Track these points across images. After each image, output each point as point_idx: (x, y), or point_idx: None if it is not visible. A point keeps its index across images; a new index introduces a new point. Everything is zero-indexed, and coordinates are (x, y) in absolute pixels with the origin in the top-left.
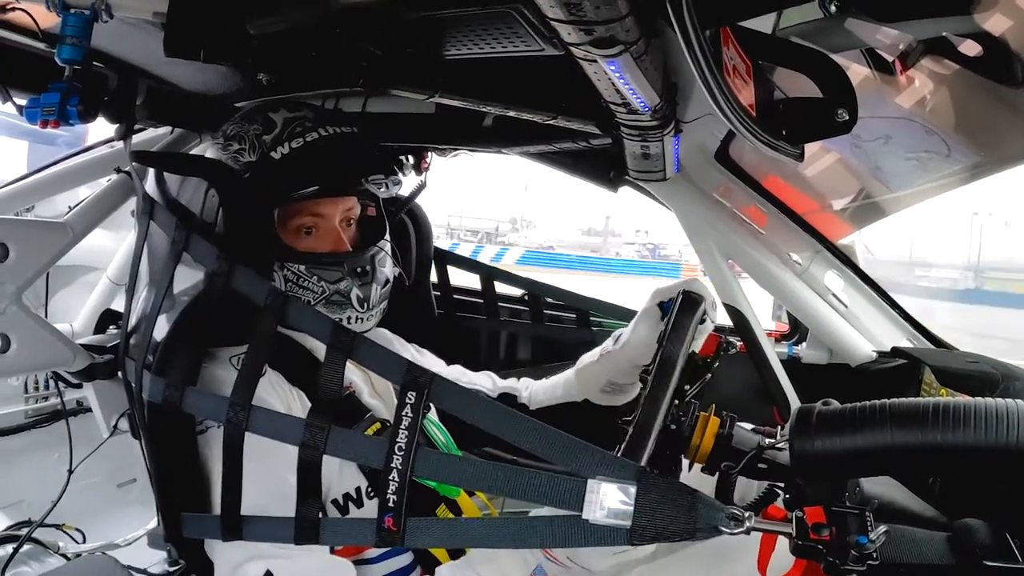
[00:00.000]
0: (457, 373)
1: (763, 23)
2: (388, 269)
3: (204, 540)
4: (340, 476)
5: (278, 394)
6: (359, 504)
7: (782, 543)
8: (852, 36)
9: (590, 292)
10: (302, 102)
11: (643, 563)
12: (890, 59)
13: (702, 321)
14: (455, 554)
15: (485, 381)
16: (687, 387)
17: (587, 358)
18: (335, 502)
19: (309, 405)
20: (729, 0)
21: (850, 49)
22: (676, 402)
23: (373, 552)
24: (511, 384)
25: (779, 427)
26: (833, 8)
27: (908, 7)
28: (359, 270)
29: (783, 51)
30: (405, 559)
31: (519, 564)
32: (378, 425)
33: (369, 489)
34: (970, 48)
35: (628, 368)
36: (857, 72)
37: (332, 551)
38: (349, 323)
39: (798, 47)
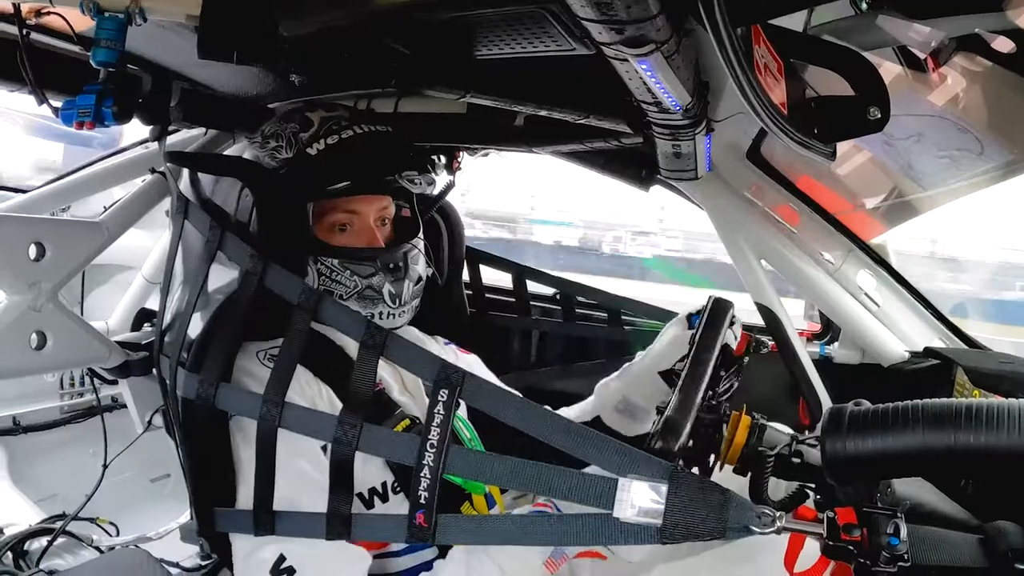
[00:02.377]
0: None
1: (794, 21)
2: (421, 267)
3: None
4: (364, 470)
5: (302, 389)
6: (384, 499)
7: (810, 541)
8: (884, 33)
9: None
10: (338, 103)
11: (676, 555)
12: (922, 56)
13: (731, 325)
14: None
15: None
16: (719, 385)
17: (609, 378)
18: (360, 496)
19: (336, 400)
20: None
21: (882, 46)
22: (709, 397)
23: (399, 545)
24: None
25: (809, 427)
26: (864, 5)
27: (940, 4)
28: (392, 266)
29: (814, 49)
30: (430, 553)
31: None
32: (407, 422)
33: (395, 484)
34: (1003, 45)
35: (646, 380)
36: (889, 70)
37: (354, 542)
38: (380, 319)
39: (829, 45)
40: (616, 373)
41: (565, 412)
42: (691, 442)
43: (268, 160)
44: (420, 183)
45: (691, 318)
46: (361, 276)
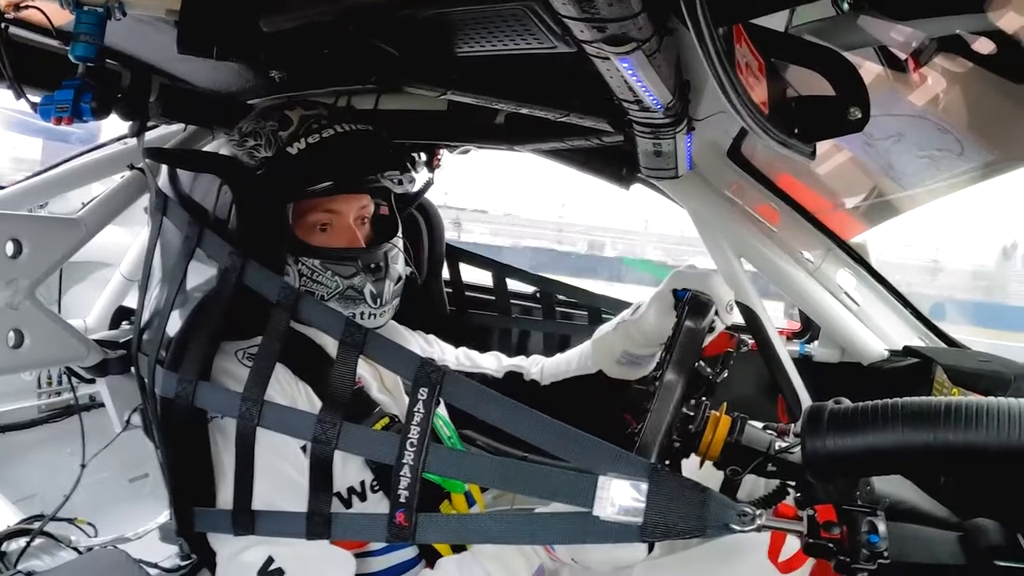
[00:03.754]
0: (463, 356)
1: (776, 21)
2: (401, 266)
3: None
4: (343, 469)
5: (282, 388)
6: (363, 498)
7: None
8: (865, 34)
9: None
10: (317, 100)
11: (654, 555)
12: (903, 57)
13: (711, 330)
14: (457, 548)
15: (490, 362)
16: (702, 377)
17: (604, 327)
18: (338, 495)
19: (315, 399)
20: None
21: (863, 47)
22: (688, 397)
23: (377, 544)
24: (517, 362)
25: (788, 424)
26: (845, 6)
27: (921, 5)
28: (373, 266)
29: (796, 49)
30: (410, 552)
31: (522, 560)
32: (387, 420)
33: (374, 483)
34: (984, 46)
35: (643, 342)
36: (870, 70)
37: (332, 542)
38: (362, 319)
39: (811, 45)
40: (611, 325)
41: (563, 361)
42: (673, 441)
43: (246, 159)
44: (403, 182)
45: (677, 293)
46: (343, 277)
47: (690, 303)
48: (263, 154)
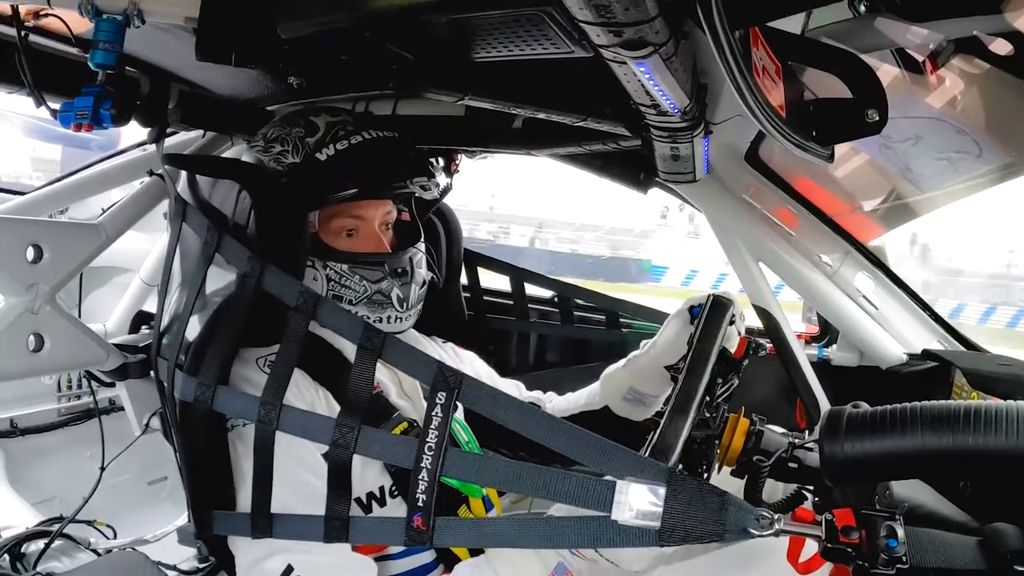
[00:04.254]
0: (485, 377)
1: (792, 24)
2: (425, 270)
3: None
4: (362, 475)
5: (300, 394)
6: (382, 503)
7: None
8: (882, 36)
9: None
10: (339, 107)
11: (674, 558)
12: (920, 59)
13: (731, 323)
14: (475, 552)
15: (511, 390)
16: (717, 388)
17: (614, 365)
18: (358, 500)
19: (334, 404)
20: (758, 1)
21: (880, 49)
22: (707, 400)
23: (395, 548)
24: (536, 395)
25: (806, 430)
26: (862, 8)
27: (937, 7)
28: (399, 270)
29: (812, 51)
30: (427, 556)
31: (538, 563)
32: (405, 424)
33: (393, 488)
34: (1001, 47)
35: (652, 372)
36: (887, 72)
37: (353, 547)
38: (389, 322)
39: (827, 47)
40: (622, 363)
41: (572, 398)
42: (692, 445)
43: (273, 165)
44: (428, 188)
45: (693, 310)
46: (370, 281)
47: (712, 299)
48: (290, 160)
